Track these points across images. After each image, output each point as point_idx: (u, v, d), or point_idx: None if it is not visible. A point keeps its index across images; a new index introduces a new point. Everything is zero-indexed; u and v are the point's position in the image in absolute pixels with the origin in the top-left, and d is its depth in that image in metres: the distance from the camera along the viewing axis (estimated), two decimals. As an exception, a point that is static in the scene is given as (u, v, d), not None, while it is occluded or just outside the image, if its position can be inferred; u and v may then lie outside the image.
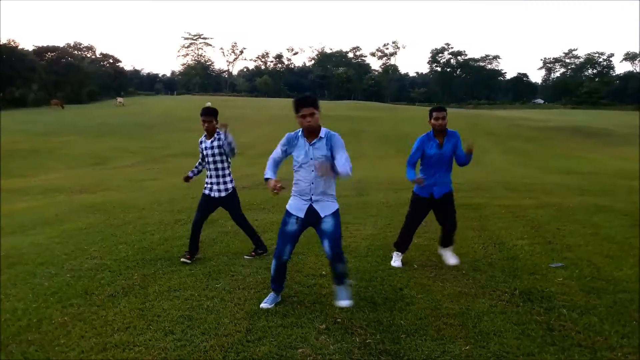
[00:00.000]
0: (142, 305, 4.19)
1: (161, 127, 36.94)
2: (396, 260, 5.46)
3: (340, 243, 4.10)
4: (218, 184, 5.57)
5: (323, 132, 3.91)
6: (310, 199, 3.97)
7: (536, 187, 12.45)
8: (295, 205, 4.04)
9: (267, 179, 3.92)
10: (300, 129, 3.93)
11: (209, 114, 5.48)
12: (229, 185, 5.61)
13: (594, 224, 7.39)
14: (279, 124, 35.47)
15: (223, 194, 5.58)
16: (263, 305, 4.12)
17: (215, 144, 5.49)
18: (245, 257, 5.63)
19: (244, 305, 4.16)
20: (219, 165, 5.53)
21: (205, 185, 5.66)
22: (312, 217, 4.02)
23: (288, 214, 4.07)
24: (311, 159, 3.88)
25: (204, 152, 5.57)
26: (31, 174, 19.19)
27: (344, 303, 4.08)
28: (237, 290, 4.54)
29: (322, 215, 4.00)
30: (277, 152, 4.02)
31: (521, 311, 4.02)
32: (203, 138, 5.63)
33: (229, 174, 5.63)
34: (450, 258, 5.38)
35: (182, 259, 5.52)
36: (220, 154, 5.51)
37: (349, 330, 3.67)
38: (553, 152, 26.95)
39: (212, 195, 5.59)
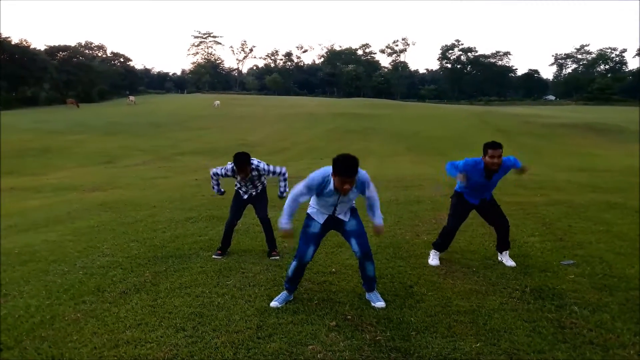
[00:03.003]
0: (154, 302, 4.22)
1: (171, 126, 37.11)
2: (434, 259, 5.34)
3: (368, 240, 4.15)
4: (253, 189, 5.67)
5: None
6: (333, 212, 4.10)
7: (547, 184, 12.37)
8: (316, 215, 4.14)
9: (285, 229, 4.04)
10: (330, 178, 3.80)
11: (244, 163, 5.26)
12: (261, 187, 5.73)
13: (606, 221, 7.33)
14: (288, 122, 35.53)
15: (253, 193, 5.67)
16: (273, 304, 4.12)
17: (255, 173, 5.46)
18: (271, 258, 5.57)
19: (255, 302, 4.18)
20: (258, 182, 5.62)
21: (240, 188, 5.70)
22: (332, 223, 4.14)
23: (310, 218, 4.17)
24: (337, 203, 3.99)
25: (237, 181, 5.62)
26: (43, 172, 19.36)
27: (381, 304, 4.10)
28: (248, 287, 4.56)
29: (344, 220, 4.13)
30: (302, 192, 3.95)
31: (532, 308, 4.00)
32: (234, 174, 5.46)
33: (264, 182, 5.75)
34: (509, 261, 5.24)
35: (213, 256, 5.62)
36: (259, 177, 5.56)
37: (359, 327, 3.68)
38: (564, 149, 26.73)
39: (244, 197, 5.68)
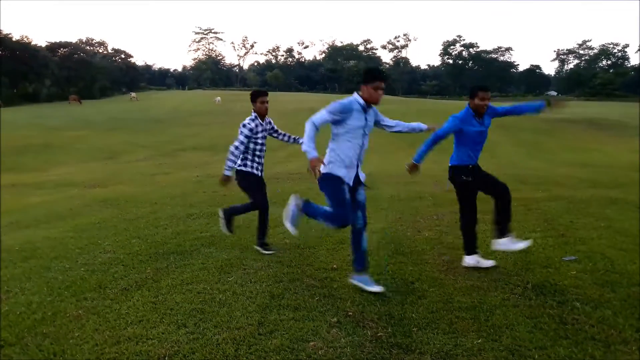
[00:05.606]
0: (155, 299, 4.23)
1: (172, 122, 37.10)
2: (469, 262, 4.94)
3: None
4: (262, 164, 5.65)
5: None
6: (357, 165, 4.17)
7: (548, 180, 12.34)
8: (347, 174, 4.12)
9: (314, 157, 3.78)
10: (355, 100, 4.05)
11: (267, 94, 5.58)
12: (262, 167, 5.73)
13: (607, 216, 7.31)
14: (290, 117, 35.40)
15: (262, 170, 5.67)
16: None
17: (268, 126, 5.63)
18: (267, 253, 5.57)
19: (256, 298, 4.18)
20: (265, 147, 5.61)
21: (258, 167, 5.56)
22: (354, 181, 4.19)
23: (342, 181, 4.09)
24: (365, 127, 4.09)
25: (260, 134, 5.47)
26: (44, 168, 19.39)
27: (378, 288, 4.22)
28: (249, 283, 4.57)
29: (362, 181, 4.24)
30: (325, 118, 3.95)
31: (534, 304, 4.00)
32: (258, 121, 5.47)
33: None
34: (518, 243, 4.74)
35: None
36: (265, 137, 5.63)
37: (360, 323, 3.68)
38: (566, 145, 26.66)
39: (261, 175, 5.63)
